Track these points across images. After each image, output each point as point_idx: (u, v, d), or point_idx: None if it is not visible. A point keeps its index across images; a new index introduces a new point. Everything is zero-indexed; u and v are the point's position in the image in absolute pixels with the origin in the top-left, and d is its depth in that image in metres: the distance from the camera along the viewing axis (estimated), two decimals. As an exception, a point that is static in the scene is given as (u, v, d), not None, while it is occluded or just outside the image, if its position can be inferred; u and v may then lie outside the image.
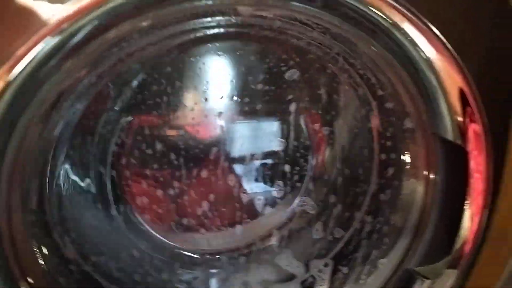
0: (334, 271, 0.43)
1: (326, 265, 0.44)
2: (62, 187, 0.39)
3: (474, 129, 0.31)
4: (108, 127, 0.43)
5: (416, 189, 0.39)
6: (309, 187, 0.49)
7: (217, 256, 0.48)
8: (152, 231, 0.47)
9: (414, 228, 0.38)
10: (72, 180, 0.41)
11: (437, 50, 0.31)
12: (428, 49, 0.31)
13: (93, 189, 0.43)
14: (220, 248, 0.48)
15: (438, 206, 0.37)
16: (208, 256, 0.48)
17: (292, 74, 0.44)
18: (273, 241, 0.48)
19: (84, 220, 0.41)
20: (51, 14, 0.25)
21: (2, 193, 0.28)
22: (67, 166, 0.40)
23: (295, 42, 0.38)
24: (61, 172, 0.39)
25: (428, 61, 0.31)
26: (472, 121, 0.31)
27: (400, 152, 0.40)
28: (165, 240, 0.47)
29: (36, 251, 0.34)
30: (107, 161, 0.43)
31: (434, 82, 0.31)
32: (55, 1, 0.27)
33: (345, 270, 0.42)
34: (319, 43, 0.36)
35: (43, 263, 0.34)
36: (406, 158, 0.40)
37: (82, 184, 0.42)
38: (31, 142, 0.29)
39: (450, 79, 0.31)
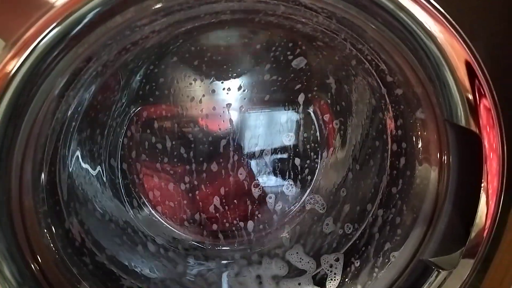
0: (346, 265, 0.42)
1: (337, 259, 0.43)
2: (74, 176, 0.39)
3: (484, 104, 0.30)
4: (117, 119, 0.43)
5: (429, 176, 0.38)
6: (320, 181, 0.48)
7: (229, 249, 0.47)
8: (165, 224, 0.47)
9: (428, 218, 0.37)
10: (84, 168, 0.41)
11: (441, 25, 0.29)
12: (431, 25, 0.30)
13: (104, 179, 0.43)
14: (232, 241, 0.48)
15: (452, 193, 0.35)
16: (220, 248, 0.48)
17: (299, 62, 0.43)
18: (284, 236, 0.48)
19: (97, 213, 0.41)
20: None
21: (14, 175, 0.28)
22: (78, 153, 0.40)
23: (301, 28, 0.37)
24: (73, 160, 0.39)
25: (432, 37, 0.29)
26: (481, 96, 0.30)
27: (412, 140, 0.39)
28: (178, 233, 0.48)
29: (49, 240, 0.34)
30: (117, 154, 0.44)
31: (440, 57, 0.30)
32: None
33: (357, 263, 0.41)
34: (325, 28, 0.35)
35: (55, 252, 0.34)
36: (418, 146, 0.39)
37: (93, 172, 0.42)
38: (42, 126, 0.29)
39: (455, 52, 0.29)
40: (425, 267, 0.37)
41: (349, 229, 0.44)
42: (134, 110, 0.44)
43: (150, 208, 0.47)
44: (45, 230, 0.33)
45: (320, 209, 0.48)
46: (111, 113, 0.42)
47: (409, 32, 0.30)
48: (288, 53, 0.43)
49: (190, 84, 0.44)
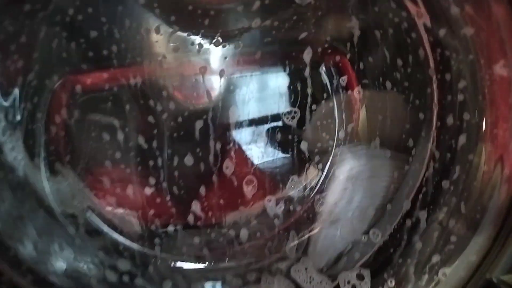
0: (375, 285, 0.35)
1: (361, 277, 0.35)
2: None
3: None
4: (33, 98, 0.29)
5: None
6: (335, 172, 0.38)
7: (220, 268, 0.38)
8: (127, 242, 0.36)
9: (495, 222, 0.29)
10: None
11: None
12: None
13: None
14: (222, 256, 0.38)
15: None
16: (206, 266, 0.38)
17: None
18: (288, 245, 0.38)
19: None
20: None
21: None
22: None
23: None
24: None
25: None
26: None
27: (481, 111, 0.28)
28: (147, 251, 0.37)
29: None
30: (41, 152, 0.31)
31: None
32: None
33: (391, 283, 0.34)
34: None
35: None
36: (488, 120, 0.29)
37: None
38: None
39: None
40: (493, 289, 0.28)
41: (377, 236, 0.36)
42: (56, 83, 0.30)
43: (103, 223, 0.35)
44: None
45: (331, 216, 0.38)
46: (25, 88, 0.29)
47: None
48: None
49: (141, 37, 0.31)
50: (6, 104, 0.30)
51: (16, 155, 0.31)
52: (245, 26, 0.31)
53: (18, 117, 0.30)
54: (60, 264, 0.32)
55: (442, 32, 0.26)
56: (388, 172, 0.36)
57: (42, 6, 0.26)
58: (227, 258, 0.38)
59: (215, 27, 0.31)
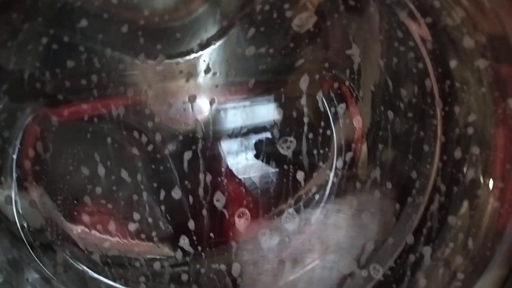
0: None
1: None
2: None
3: None
4: (4, 132, 0.27)
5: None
6: (332, 204, 0.36)
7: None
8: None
9: (506, 261, 0.28)
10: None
11: None
12: None
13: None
14: None
15: None
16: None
17: (304, 21, 0.29)
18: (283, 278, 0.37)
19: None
20: None
21: None
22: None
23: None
24: None
25: None
26: None
27: (491, 144, 0.26)
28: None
29: None
30: (13, 186, 0.28)
31: None
32: None
33: None
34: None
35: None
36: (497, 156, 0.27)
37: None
38: None
39: None
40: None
41: (377, 272, 0.34)
42: (30, 116, 0.27)
43: (79, 263, 0.33)
44: None
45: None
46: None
47: None
48: (286, 6, 0.28)
49: (124, 67, 0.29)
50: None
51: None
52: (238, 54, 0.29)
53: None
54: None
55: (453, 63, 0.24)
56: (387, 205, 0.34)
57: (11, 35, 0.24)
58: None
59: (205, 55, 0.29)
